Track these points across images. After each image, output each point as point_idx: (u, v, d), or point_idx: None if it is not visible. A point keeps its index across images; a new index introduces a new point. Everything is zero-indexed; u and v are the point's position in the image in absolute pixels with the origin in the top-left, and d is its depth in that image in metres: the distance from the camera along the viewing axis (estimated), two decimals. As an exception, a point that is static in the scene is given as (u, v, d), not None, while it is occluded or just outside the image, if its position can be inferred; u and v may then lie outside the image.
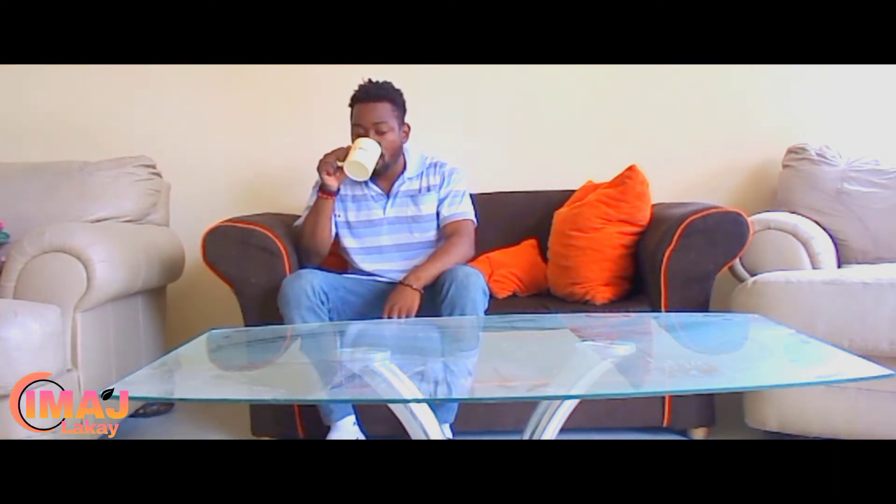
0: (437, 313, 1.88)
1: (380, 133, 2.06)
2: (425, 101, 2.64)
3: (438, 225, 2.15)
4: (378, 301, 2.05)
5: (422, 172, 2.16)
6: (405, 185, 2.15)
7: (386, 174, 2.14)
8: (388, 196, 2.14)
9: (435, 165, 2.17)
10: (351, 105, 2.11)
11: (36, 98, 2.73)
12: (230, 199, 2.64)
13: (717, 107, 2.67)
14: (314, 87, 2.69)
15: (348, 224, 2.14)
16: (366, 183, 2.12)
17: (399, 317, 1.90)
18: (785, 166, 2.52)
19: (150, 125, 2.73)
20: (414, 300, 1.93)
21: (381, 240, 2.14)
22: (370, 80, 2.09)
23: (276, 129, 2.74)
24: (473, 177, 2.49)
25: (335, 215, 2.13)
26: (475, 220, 2.18)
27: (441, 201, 2.15)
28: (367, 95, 2.07)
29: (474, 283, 1.87)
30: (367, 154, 2.00)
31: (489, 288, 1.97)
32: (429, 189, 2.15)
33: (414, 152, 2.18)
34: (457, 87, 2.68)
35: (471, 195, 2.22)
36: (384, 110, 2.08)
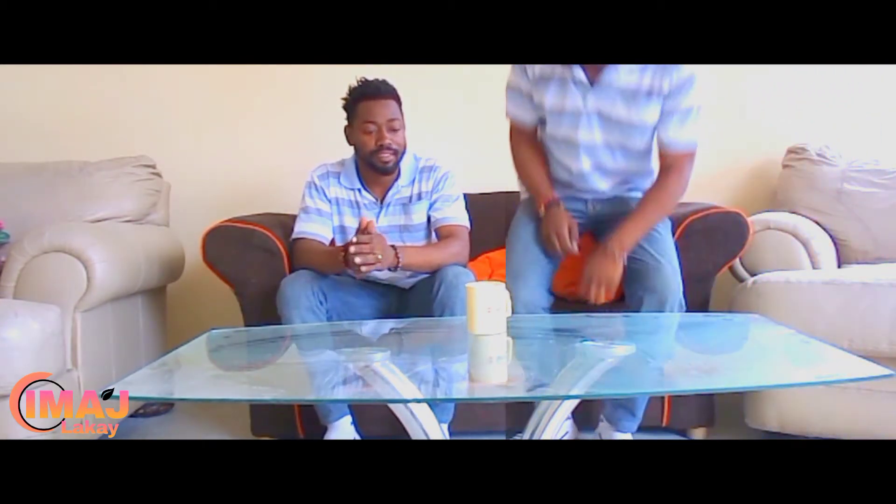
0: (429, 314, 1.87)
1: (393, 130, 2.00)
2: (425, 100, 2.63)
3: (429, 230, 2.09)
4: (377, 303, 2.04)
5: (414, 178, 2.09)
6: (398, 193, 2.08)
7: (380, 180, 2.07)
8: (381, 205, 2.08)
9: (428, 170, 2.09)
10: (351, 102, 2.03)
11: (36, 98, 2.73)
12: (230, 199, 2.64)
13: (717, 107, 2.67)
14: (314, 87, 2.69)
15: (342, 229, 2.08)
16: (359, 189, 2.07)
17: (361, 262, 1.81)
18: (785, 166, 2.52)
19: (150, 125, 2.73)
20: (389, 257, 1.86)
21: None
22: (366, 78, 2.02)
23: (276, 129, 2.74)
24: (473, 177, 2.48)
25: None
26: (468, 225, 2.11)
27: (431, 205, 2.08)
28: (376, 92, 2.00)
29: (463, 283, 1.84)
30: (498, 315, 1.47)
31: None
32: (420, 197, 2.07)
33: (407, 155, 2.09)
34: (457, 87, 2.68)
35: (465, 198, 2.14)
36: (394, 108, 2.02)
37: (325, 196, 2.08)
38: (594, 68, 1.79)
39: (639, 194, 1.97)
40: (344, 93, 2.07)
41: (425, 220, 2.09)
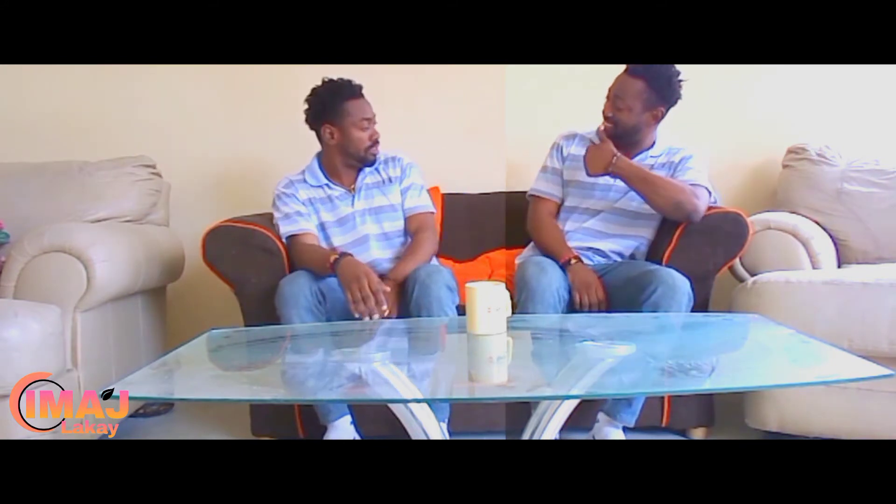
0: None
1: (374, 124, 2.10)
2: (425, 100, 2.64)
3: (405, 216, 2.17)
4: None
5: (377, 167, 2.16)
6: (367, 178, 2.16)
7: (347, 172, 2.15)
8: (352, 193, 2.15)
9: (391, 160, 2.18)
10: (336, 102, 2.07)
11: (36, 98, 2.73)
12: (230, 199, 2.64)
13: (716, 107, 2.67)
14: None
15: (321, 225, 2.14)
16: (327, 184, 2.14)
17: (367, 311, 1.84)
18: (785, 166, 2.52)
19: (150, 125, 2.73)
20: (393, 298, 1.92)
21: (357, 232, 2.13)
22: (332, 79, 2.09)
23: (276, 130, 2.74)
24: (473, 177, 2.49)
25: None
26: (434, 210, 2.22)
27: (402, 192, 2.16)
28: (360, 90, 2.09)
29: (436, 281, 1.86)
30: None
31: (458, 283, 1.94)
32: (391, 180, 2.16)
33: None
34: (457, 87, 2.68)
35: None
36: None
37: (298, 199, 2.13)
38: (626, 154, 2.08)
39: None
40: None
41: (400, 200, 2.16)
